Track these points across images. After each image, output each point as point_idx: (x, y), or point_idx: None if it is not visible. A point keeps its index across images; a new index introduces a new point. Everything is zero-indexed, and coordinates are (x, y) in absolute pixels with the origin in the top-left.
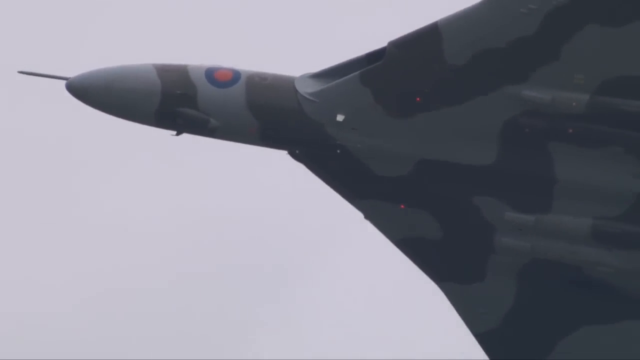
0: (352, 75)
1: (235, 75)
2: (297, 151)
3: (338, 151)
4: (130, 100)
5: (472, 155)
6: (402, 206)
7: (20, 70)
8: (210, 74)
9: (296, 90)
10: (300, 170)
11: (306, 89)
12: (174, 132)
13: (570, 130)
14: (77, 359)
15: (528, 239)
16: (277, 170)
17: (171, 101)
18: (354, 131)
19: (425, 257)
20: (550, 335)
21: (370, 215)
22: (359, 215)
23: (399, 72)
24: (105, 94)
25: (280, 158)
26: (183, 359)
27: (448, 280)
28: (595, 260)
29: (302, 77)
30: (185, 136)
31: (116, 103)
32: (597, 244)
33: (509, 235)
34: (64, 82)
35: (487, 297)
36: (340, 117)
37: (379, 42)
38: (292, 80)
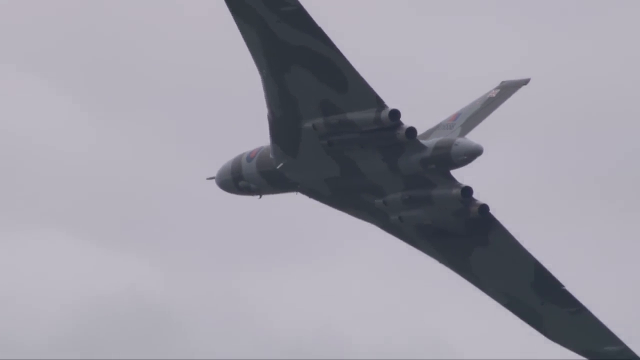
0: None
1: (258, 152)
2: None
3: (298, 185)
4: (226, 183)
5: (329, 171)
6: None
7: (208, 177)
8: (249, 155)
9: None
10: None
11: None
12: (258, 197)
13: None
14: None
15: (394, 212)
16: None
17: (235, 179)
18: (293, 172)
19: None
20: None
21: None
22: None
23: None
24: (222, 182)
25: None
26: (183, 358)
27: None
28: (421, 217)
29: None
30: None
31: (225, 186)
32: (412, 207)
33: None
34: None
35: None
36: (279, 165)
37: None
38: None
